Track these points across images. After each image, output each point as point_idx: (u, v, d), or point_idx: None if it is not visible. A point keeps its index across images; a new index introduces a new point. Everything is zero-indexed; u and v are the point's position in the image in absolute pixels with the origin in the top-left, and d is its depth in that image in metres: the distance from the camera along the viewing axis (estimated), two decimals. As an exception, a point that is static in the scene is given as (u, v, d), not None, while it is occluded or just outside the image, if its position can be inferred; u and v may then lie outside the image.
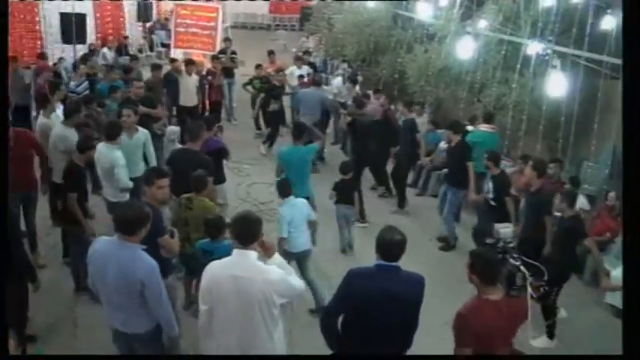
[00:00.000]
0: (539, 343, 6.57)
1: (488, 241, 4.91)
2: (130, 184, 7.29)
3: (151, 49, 22.97)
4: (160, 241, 5.25)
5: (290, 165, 7.94)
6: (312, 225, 6.99)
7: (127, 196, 7.28)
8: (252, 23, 32.00)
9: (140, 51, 20.82)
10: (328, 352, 4.51)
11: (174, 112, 12.38)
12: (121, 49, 18.90)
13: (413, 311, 4.21)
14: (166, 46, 23.38)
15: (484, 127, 9.90)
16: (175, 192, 6.40)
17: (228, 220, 6.06)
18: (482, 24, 11.71)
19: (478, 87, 11.74)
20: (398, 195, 10.60)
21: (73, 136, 7.48)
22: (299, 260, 6.74)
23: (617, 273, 7.04)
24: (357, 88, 13.60)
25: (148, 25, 24.48)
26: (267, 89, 13.15)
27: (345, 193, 8.65)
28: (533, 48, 10.22)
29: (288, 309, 4.59)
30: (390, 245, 4.11)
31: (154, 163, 8.14)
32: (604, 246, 8.25)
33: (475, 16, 12.14)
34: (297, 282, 4.30)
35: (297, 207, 6.78)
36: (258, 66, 14.35)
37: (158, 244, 5.23)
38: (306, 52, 17.41)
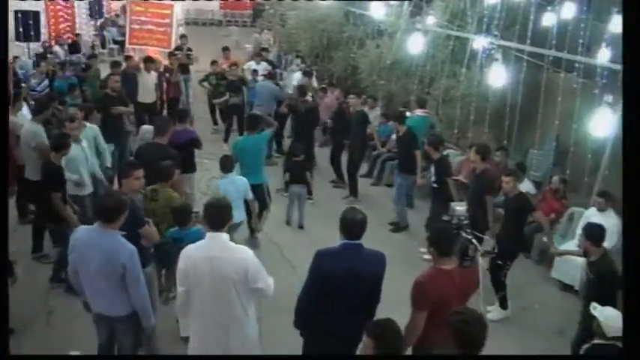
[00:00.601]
0: (495, 315, 7.11)
1: (445, 217, 5.37)
2: (78, 179, 7.59)
3: (103, 46, 22.89)
4: (141, 231, 5.54)
5: (244, 154, 8.35)
6: (250, 203, 7.61)
7: (85, 190, 7.64)
8: (204, 19, 31.95)
9: (92, 48, 20.73)
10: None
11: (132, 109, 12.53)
12: (74, 47, 18.85)
13: (376, 285, 4.62)
14: (118, 43, 23.35)
15: (419, 112, 10.51)
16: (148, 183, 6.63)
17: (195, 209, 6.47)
18: (431, 20, 12.18)
19: (428, 80, 12.27)
20: (350, 184, 11.09)
21: (42, 132, 7.68)
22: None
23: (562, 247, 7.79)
24: (314, 81, 13.98)
25: (99, 22, 24.35)
26: (227, 83, 13.47)
27: (297, 173, 9.46)
28: (479, 43, 10.68)
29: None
30: (353, 224, 4.50)
31: (107, 156, 8.37)
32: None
33: (424, 13, 12.61)
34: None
35: (235, 184, 7.36)
36: (213, 62, 14.58)
37: (138, 234, 5.47)
38: (264, 49, 17.68)
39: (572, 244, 7.94)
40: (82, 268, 4.78)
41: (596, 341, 4.65)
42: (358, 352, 4.28)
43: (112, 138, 9.53)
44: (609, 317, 4.59)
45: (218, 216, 4.51)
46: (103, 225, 4.70)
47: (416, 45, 10.87)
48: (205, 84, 14.21)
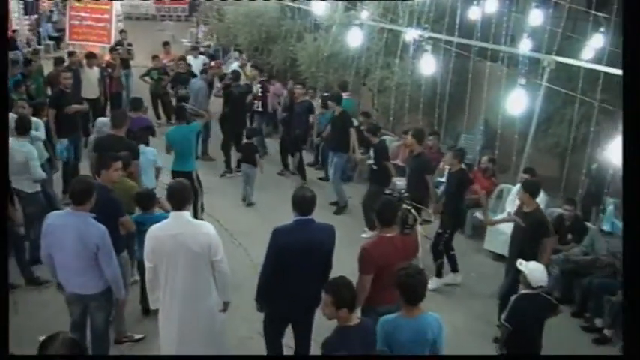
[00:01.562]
0: (431, 284, 7.78)
1: (387, 191, 6.03)
2: (44, 175, 7.86)
3: (39, 42, 22.64)
4: (121, 220, 5.95)
5: (175, 143, 8.86)
6: (157, 171, 8.29)
7: (39, 187, 7.83)
8: (137, 14, 31.54)
9: (28, 44, 20.54)
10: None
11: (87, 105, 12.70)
12: (11, 44, 18.65)
13: (329, 255, 5.22)
14: (54, 39, 23.14)
15: (343, 95, 11.18)
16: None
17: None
18: (365, 14, 12.78)
19: (363, 72, 12.87)
20: (300, 172, 11.69)
21: None
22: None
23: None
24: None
25: (34, 18, 24.03)
26: (175, 76, 13.94)
27: (248, 154, 10.24)
28: (411, 35, 11.30)
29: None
30: (304, 201, 5.09)
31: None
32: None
33: (358, 7, 13.18)
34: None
35: (145, 155, 7.86)
36: (154, 57, 14.87)
37: (116, 224, 5.85)
38: (205, 46, 18.00)
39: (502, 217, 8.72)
40: (56, 251, 5.17)
41: (523, 291, 5.35)
42: (320, 310, 4.77)
43: (67, 134, 9.75)
44: (533, 269, 5.32)
45: (180, 196, 5.01)
46: (75, 208, 5.12)
47: (352, 38, 11.39)
48: (147, 78, 14.50)
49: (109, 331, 5.72)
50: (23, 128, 7.69)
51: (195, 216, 8.70)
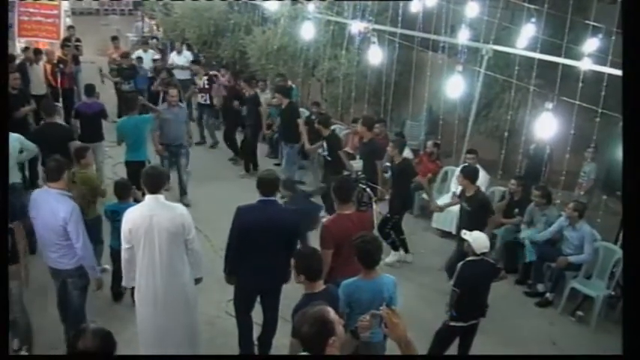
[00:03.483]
0: (390, 258, 8.48)
1: (345, 173, 6.51)
2: None
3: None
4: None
5: (127, 132, 9.24)
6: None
7: None
8: (81, 9, 31.12)
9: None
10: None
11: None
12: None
13: (291, 234, 5.65)
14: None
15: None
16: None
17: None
18: (311, 7, 13.16)
19: (312, 63, 13.26)
20: (245, 161, 12.07)
21: None
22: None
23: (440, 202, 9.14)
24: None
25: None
26: (119, 71, 14.15)
27: None
28: (356, 27, 11.71)
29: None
30: (268, 182, 5.57)
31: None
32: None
33: (304, 0, 13.55)
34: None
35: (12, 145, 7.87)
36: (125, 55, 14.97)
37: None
38: (154, 38, 18.06)
39: (447, 198, 9.31)
40: (35, 225, 5.64)
41: (469, 258, 5.87)
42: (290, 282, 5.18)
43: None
44: (477, 238, 5.86)
45: (155, 181, 5.36)
46: (49, 185, 5.63)
47: (304, 31, 11.75)
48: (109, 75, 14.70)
49: (84, 308, 6.02)
50: None
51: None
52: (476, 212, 7.33)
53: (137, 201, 6.60)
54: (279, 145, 12.33)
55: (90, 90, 10.42)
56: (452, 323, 5.87)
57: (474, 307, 5.89)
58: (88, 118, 9.59)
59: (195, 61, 14.41)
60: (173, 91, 10.21)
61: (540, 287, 8.09)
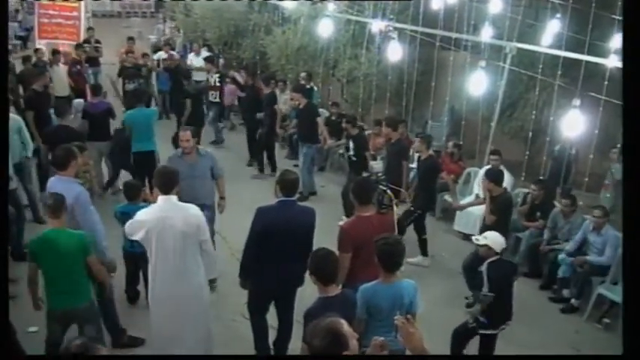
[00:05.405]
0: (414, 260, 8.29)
1: (365, 174, 6.34)
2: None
3: (6, 41, 22.45)
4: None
5: (134, 124, 9.33)
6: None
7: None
8: (103, 11, 31.44)
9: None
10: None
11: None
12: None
13: (308, 235, 5.50)
14: (20, 38, 22.99)
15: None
16: None
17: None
18: (331, 6, 13.05)
19: (332, 63, 13.14)
20: (258, 161, 11.99)
21: None
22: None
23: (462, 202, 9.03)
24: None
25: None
26: (122, 70, 14.22)
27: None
28: (377, 26, 11.60)
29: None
30: (289, 183, 5.41)
31: (30, 145, 8.70)
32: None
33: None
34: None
35: None
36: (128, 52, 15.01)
37: None
38: (167, 40, 18.08)
39: (470, 200, 9.08)
40: None
41: (491, 259, 5.71)
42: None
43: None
44: (493, 237, 5.73)
45: (167, 181, 5.26)
46: (58, 173, 5.84)
47: (323, 29, 11.67)
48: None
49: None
50: None
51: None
52: (500, 214, 7.15)
53: (147, 202, 6.51)
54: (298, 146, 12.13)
55: (96, 89, 10.39)
56: (482, 331, 5.73)
57: (504, 311, 5.74)
58: (95, 118, 9.54)
59: (207, 59, 14.30)
60: (184, 134, 7.14)
61: (566, 293, 7.79)
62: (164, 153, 9.04)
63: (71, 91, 13.32)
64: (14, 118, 8.46)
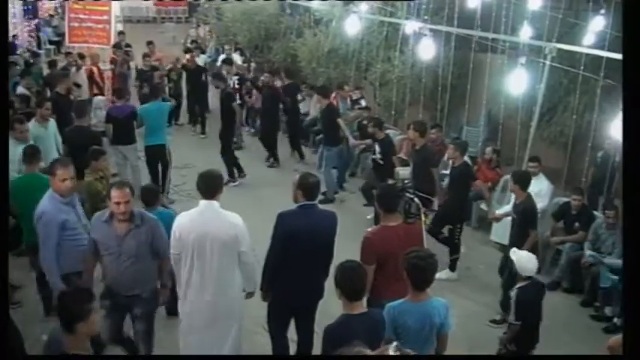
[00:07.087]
0: (443, 275, 7.66)
1: (390, 181, 5.97)
2: None
3: (39, 46, 22.64)
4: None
5: (148, 117, 9.53)
6: None
7: None
8: (138, 17, 31.66)
9: (28, 50, 20.52)
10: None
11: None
12: (10, 48, 18.65)
13: (331, 240, 5.21)
14: (54, 43, 23.14)
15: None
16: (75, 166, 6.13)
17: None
18: (363, 7, 12.72)
19: (364, 66, 12.81)
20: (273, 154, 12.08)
21: None
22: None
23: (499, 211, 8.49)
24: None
25: (34, 23, 24.03)
26: (139, 73, 14.49)
27: None
28: (411, 27, 11.20)
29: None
30: (311, 186, 5.09)
31: (60, 146, 8.61)
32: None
33: (356, 1, 13.13)
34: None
35: None
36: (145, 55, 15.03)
37: None
38: (193, 42, 18.02)
39: (507, 209, 8.61)
40: None
41: (519, 285, 5.37)
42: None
43: None
44: (520, 259, 5.37)
45: (212, 184, 5.02)
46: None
47: (353, 31, 11.39)
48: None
49: None
50: None
51: (164, 187, 9.27)
52: (522, 221, 6.68)
53: (164, 207, 6.26)
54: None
55: (118, 93, 10.38)
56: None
57: (532, 336, 5.42)
58: (119, 121, 9.46)
59: (224, 61, 14.16)
60: (119, 192, 4.94)
61: (608, 311, 7.23)
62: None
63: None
64: (52, 121, 8.65)
